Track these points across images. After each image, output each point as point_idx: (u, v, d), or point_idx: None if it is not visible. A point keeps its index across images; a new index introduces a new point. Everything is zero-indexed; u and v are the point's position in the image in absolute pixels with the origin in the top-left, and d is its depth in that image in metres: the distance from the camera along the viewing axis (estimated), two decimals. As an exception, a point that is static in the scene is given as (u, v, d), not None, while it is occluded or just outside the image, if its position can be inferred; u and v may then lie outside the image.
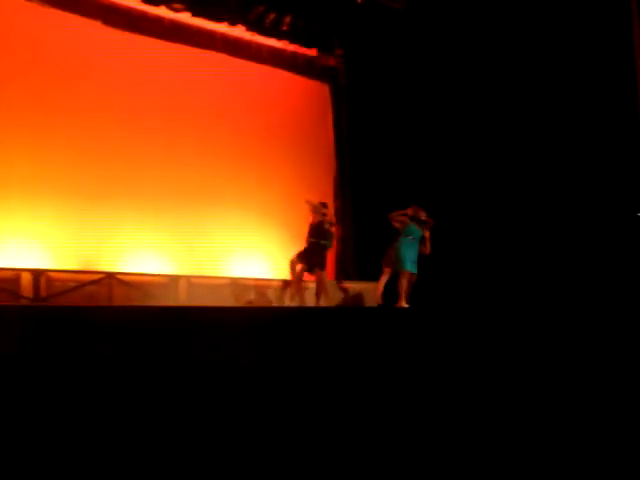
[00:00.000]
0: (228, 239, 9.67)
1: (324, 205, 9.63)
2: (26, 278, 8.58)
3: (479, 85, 10.89)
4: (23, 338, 3.11)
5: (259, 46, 11.84)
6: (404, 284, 8.97)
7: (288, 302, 9.58)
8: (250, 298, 9.60)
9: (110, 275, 9.30)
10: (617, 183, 9.63)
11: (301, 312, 7.02)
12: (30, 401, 2.76)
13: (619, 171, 9.58)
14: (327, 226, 9.42)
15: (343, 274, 12.03)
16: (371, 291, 10.58)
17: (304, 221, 11.17)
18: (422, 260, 9.17)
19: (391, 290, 9.07)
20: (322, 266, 9.41)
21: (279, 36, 11.92)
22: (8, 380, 2.83)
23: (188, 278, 9.73)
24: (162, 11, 10.71)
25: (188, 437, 2.78)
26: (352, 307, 9.76)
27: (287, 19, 11.74)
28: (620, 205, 9.57)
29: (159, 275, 9.84)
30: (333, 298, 9.94)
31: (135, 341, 3.34)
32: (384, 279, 9.13)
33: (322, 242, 9.38)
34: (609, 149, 9.70)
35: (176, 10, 10.78)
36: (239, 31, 11.55)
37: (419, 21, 11.50)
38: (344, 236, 12.29)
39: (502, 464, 2.90)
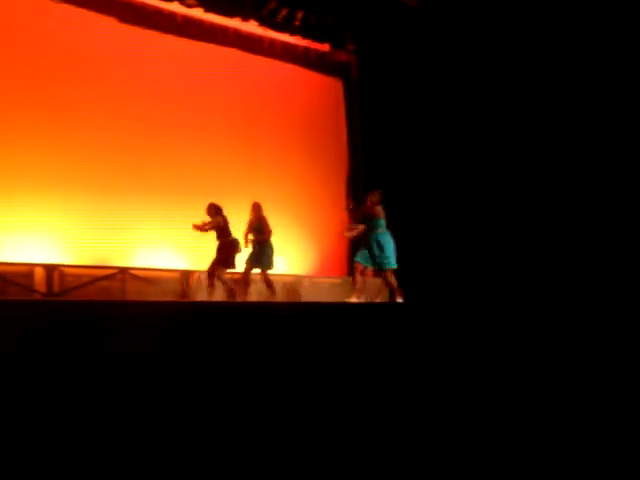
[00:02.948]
0: (240, 234, 9.67)
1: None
2: (39, 273, 8.63)
3: (492, 81, 10.84)
4: (36, 332, 3.12)
5: (271, 41, 11.84)
6: (394, 280, 8.76)
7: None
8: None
9: (123, 270, 9.35)
10: (618, 182, 9.53)
11: (308, 308, 7.02)
12: (41, 395, 2.77)
13: (620, 170, 9.49)
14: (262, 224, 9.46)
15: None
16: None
17: (317, 217, 11.20)
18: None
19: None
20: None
21: (291, 31, 11.91)
22: (21, 375, 2.84)
23: (200, 273, 9.76)
24: (175, 7, 10.73)
25: (196, 434, 2.79)
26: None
27: (299, 14, 11.73)
28: (621, 204, 9.47)
29: (172, 270, 9.88)
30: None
31: (148, 336, 3.35)
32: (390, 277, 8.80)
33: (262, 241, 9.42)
34: (610, 148, 9.61)
35: (189, 6, 10.81)
36: (252, 26, 11.56)
37: (432, 16, 11.45)
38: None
39: (503, 463, 2.89)
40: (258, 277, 9.58)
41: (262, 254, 9.43)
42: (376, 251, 8.59)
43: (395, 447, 2.85)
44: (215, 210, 9.19)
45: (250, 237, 9.48)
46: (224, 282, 9.11)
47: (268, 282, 9.50)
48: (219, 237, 9.17)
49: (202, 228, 9.07)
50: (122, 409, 2.79)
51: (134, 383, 2.96)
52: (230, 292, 9.06)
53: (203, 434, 2.76)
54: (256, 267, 9.44)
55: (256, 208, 9.57)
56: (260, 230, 9.47)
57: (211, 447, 2.70)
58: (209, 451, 2.68)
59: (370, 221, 8.71)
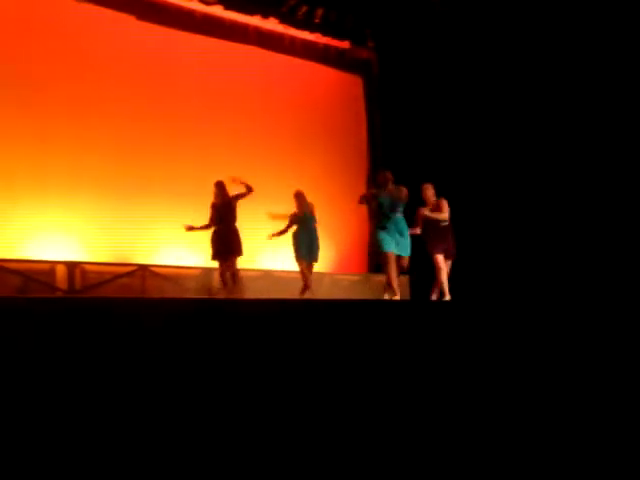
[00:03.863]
0: (260, 232, 9.69)
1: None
2: (61, 270, 8.70)
3: (513, 77, 10.74)
4: (56, 329, 3.13)
5: (292, 39, 11.85)
6: (393, 270, 7.83)
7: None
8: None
9: (143, 267, 9.39)
10: (621, 182, 9.41)
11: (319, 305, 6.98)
12: (61, 391, 2.78)
13: (623, 169, 9.37)
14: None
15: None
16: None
17: (337, 214, 11.16)
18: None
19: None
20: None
21: (311, 29, 11.93)
22: (43, 371, 2.85)
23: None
24: (195, 5, 10.75)
25: (217, 431, 2.78)
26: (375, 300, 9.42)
27: (319, 12, 11.74)
28: (623, 204, 9.35)
29: (192, 267, 9.91)
30: None
31: (166, 333, 3.35)
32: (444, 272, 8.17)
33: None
34: (614, 147, 9.49)
35: (208, 3, 10.83)
36: (271, 24, 11.57)
37: (452, 12, 11.38)
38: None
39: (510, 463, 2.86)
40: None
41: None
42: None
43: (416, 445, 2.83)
44: (221, 187, 9.01)
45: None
46: (233, 277, 8.90)
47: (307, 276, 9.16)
48: (222, 221, 8.90)
49: (203, 227, 8.96)
50: (141, 405, 2.80)
51: (151, 379, 2.96)
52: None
53: (223, 430, 2.76)
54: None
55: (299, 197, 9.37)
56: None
57: (235, 443, 2.70)
58: (233, 448, 2.67)
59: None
